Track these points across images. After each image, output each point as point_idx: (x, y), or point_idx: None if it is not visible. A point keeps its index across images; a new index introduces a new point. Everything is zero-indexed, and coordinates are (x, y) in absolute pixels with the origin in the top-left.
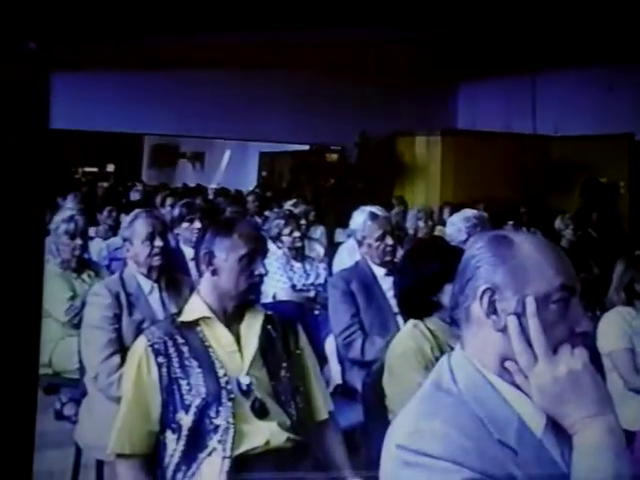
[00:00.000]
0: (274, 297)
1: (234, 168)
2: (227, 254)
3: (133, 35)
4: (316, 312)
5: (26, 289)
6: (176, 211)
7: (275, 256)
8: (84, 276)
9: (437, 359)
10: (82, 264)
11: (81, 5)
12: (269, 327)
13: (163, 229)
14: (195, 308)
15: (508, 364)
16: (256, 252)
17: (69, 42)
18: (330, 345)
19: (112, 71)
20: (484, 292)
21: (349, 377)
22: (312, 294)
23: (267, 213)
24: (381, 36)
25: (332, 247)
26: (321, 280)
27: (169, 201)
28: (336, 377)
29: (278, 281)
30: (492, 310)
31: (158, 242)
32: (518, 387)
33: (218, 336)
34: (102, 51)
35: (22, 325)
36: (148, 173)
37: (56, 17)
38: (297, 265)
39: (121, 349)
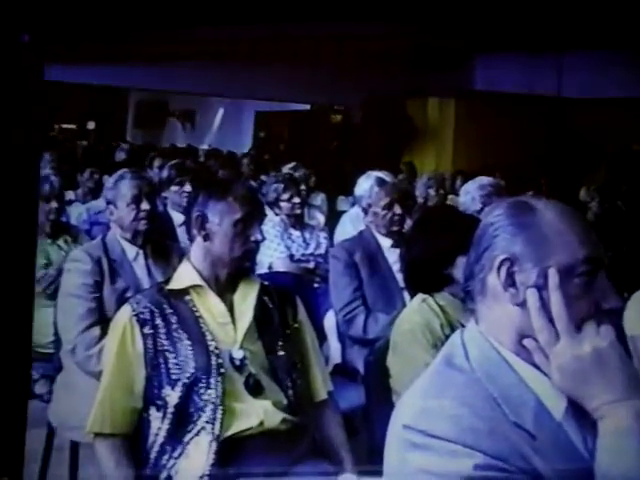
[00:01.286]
0: (270, 268)
1: (227, 128)
2: (221, 217)
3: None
4: (315, 285)
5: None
6: (165, 173)
7: (272, 223)
8: (60, 242)
9: (447, 337)
10: (58, 229)
11: None
12: (265, 298)
13: (150, 191)
14: (185, 275)
15: (527, 342)
16: (252, 216)
17: (63, 35)
18: (330, 321)
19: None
20: (502, 262)
21: (350, 356)
22: (311, 265)
23: (264, 177)
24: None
25: (334, 216)
26: (321, 250)
27: (157, 162)
28: (335, 356)
29: (275, 250)
30: (510, 282)
31: (145, 205)
32: (537, 366)
33: (209, 306)
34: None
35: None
36: (133, 132)
37: (50, 9)
38: (296, 233)
39: (102, 320)
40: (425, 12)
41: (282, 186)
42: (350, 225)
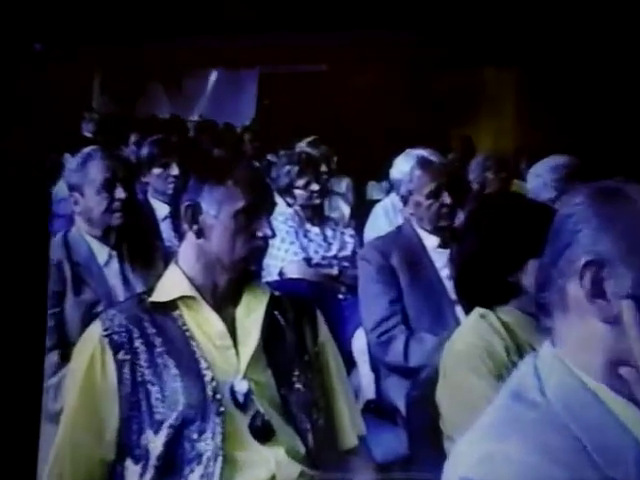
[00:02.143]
0: (281, 274)
1: (224, 94)
2: (219, 207)
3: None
4: (340, 296)
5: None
6: (144, 151)
7: (283, 216)
8: None
9: (514, 364)
10: None
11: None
12: (276, 313)
13: (127, 175)
14: (172, 284)
15: (624, 371)
16: (259, 205)
17: (73, 44)
18: (360, 343)
19: None
20: (586, 266)
21: (386, 389)
22: (335, 271)
23: (271, 157)
24: None
25: (363, 206)
26: (347, 252)
27: (134, 138)
28: (368, 389)
29: (287, 251)
30: (598, 291)
31: (120, 193)
32: (636, 402)
33: (204, 324)
34: None
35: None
36: (101, 99)
37: (60, 19)
38: (314, 230)
39: (62, 343)
40: None
41: (296, 168)
42: (384, 219)
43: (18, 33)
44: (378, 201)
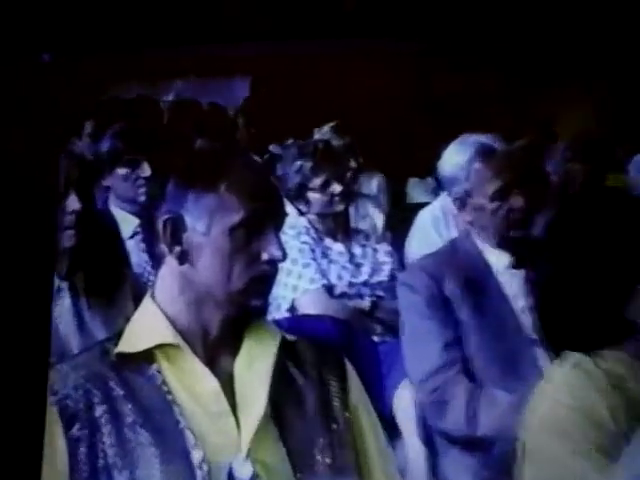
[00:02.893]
0: (294, 308)
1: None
2: (209, 221)
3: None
4: (375, 338)
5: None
6: (104, 145)
7: (295, 230)
8: None
9: (629, 432)
10: None
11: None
12: (290, 365)
13: (81, 179)
14: (147, 328)
15: None
16: (263, 217)
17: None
18: (404, 404)
19: None
20: None
21: (444, 469)
22: (366, 303)
23: (274, 148)
24: None
25: (402, 213)
26: (383, 276)
27: (90, 127)
28: (418, 468)
29: (301, 277)
30: None
31: (72, 203)
32: None
33: (192, 382)
34: None
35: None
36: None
37: (69, 28)
38: (337, 247)
39: None
40: None
41: (310, 163)
42: (432, 229)
43: (24, 41)
44: (423, 205)
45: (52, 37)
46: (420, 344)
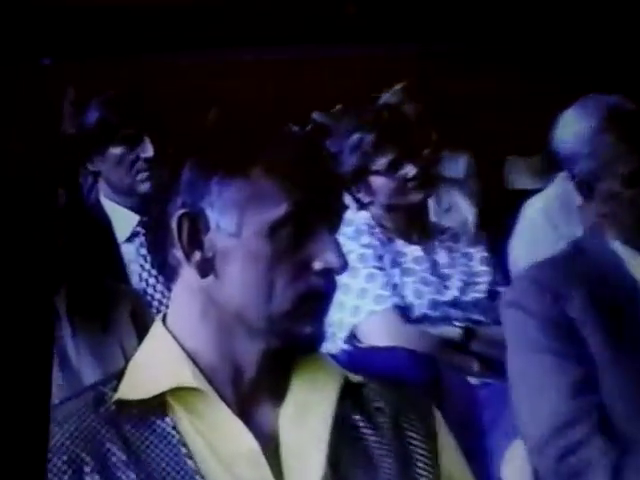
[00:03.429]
0: (354, 337)
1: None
2: (239, 218)
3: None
4: (473, 380)
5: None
6: (92, 115)
7: (353, 228)
8: None
9: None
10: None
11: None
12: (355, 416)
13: (65, 161)
14: (157, 367)
15: None
16: (314, 211)
17: (83, 58)
18: (517, 471)
19: None
20: None
21: None
22: (457, 330)
23: (318, 116)
24: None
25: (500, 204)
26: (479, 293)
27: (72, 93)
28: None
29: (364, 294)
30: None
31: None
32: None
33: (220, 438)
34: None
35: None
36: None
37: (69, 34)
38: (412, 252)
39: None
40: None
41: (372, 137)
42: (546, 226)
43: (25, 45)
44: (531, 193)
45: (54, 41)
46: (537, 388)
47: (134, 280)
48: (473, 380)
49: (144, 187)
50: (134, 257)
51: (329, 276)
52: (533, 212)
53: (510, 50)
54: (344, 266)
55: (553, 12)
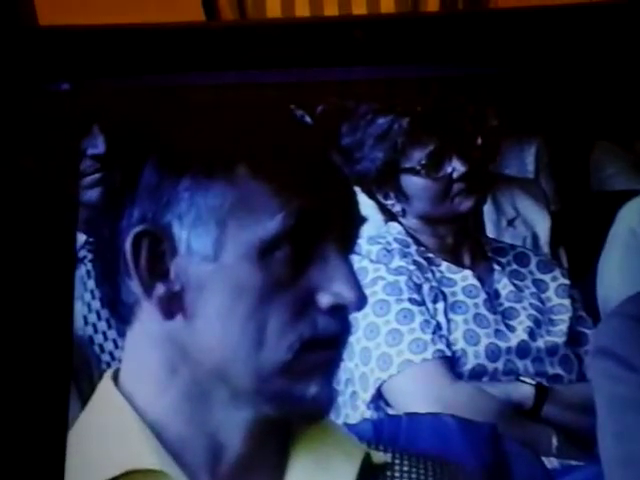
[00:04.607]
0: (381, 396)
1: None
2: (219, 234)
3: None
4: (550, 462)
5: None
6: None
7: (379, 246)
8: None
9: None
10: None
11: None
12: None
13: None
14: (106, 442)
15: None
16: (320, 224)
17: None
18: None
19: None
20: None
21: None
22: (528, 390)
23: (331, 100)
24: None
25: (582, 210)
26: (557, 336)
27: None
28: None
29: (396, 338)
30: None
31: None
32: None
33: None
34: None
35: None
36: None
37: (88, 56)
38: (463, 279)
39: None
40: None
41: (405, 121)
42: None
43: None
44: (626, 196)
45: (72, 66)
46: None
47: (78, 324)
48: (550, 462)
49: (91, 195)
50: (78, 292)
51: (341, 315)
52: (632, 222)
53: None
54: (361, 301)
55: None
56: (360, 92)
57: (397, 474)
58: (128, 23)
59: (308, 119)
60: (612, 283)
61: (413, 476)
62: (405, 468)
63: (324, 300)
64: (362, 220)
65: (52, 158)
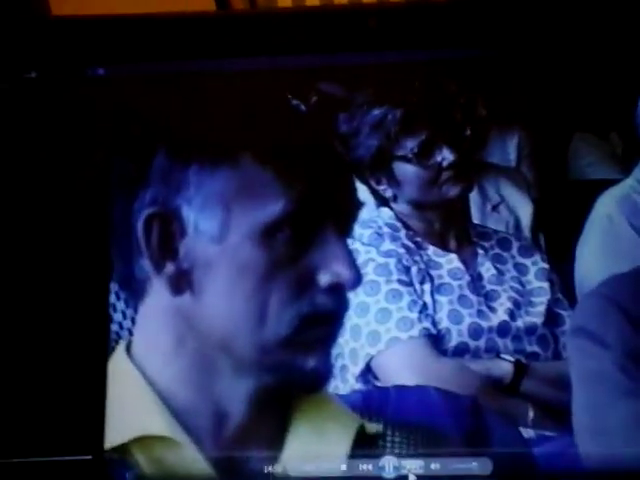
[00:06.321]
0: (370, 370)
1: None
2: (224, 218)
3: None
4: (527, 433)
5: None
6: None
7: (371, 230)
8: None
9: None
10: None
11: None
12: None
13: None
14: (119, 410)
15: None
16: (320, 209)
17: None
18: None
19: None
20: None
21: None
22: (507, 366)
23: (327, 87)
24: None
25: (562, 198)
26: (536, 317)
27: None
28: None
29: (385, 316)
30: None
31: None
32: None
33: None
34: None
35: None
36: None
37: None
38: (449, 262)
39: None
40: None
41: (398, 112)
42: (628, 227)
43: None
44: (603, 185)
45: (106, 52)
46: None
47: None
48: (527, 432)
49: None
50: None
51: (339, 293)
52: (609, 209)
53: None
54: (358, 280)
55: None
56: (365, 79)
57: (389, 444)
58: (139, 13)
59: (303, 108)
60: (589, 267)
61: (404, 446)
62: (397, 439)
63: (323, 279)
64: (359, 205)
65: (85, 147)
